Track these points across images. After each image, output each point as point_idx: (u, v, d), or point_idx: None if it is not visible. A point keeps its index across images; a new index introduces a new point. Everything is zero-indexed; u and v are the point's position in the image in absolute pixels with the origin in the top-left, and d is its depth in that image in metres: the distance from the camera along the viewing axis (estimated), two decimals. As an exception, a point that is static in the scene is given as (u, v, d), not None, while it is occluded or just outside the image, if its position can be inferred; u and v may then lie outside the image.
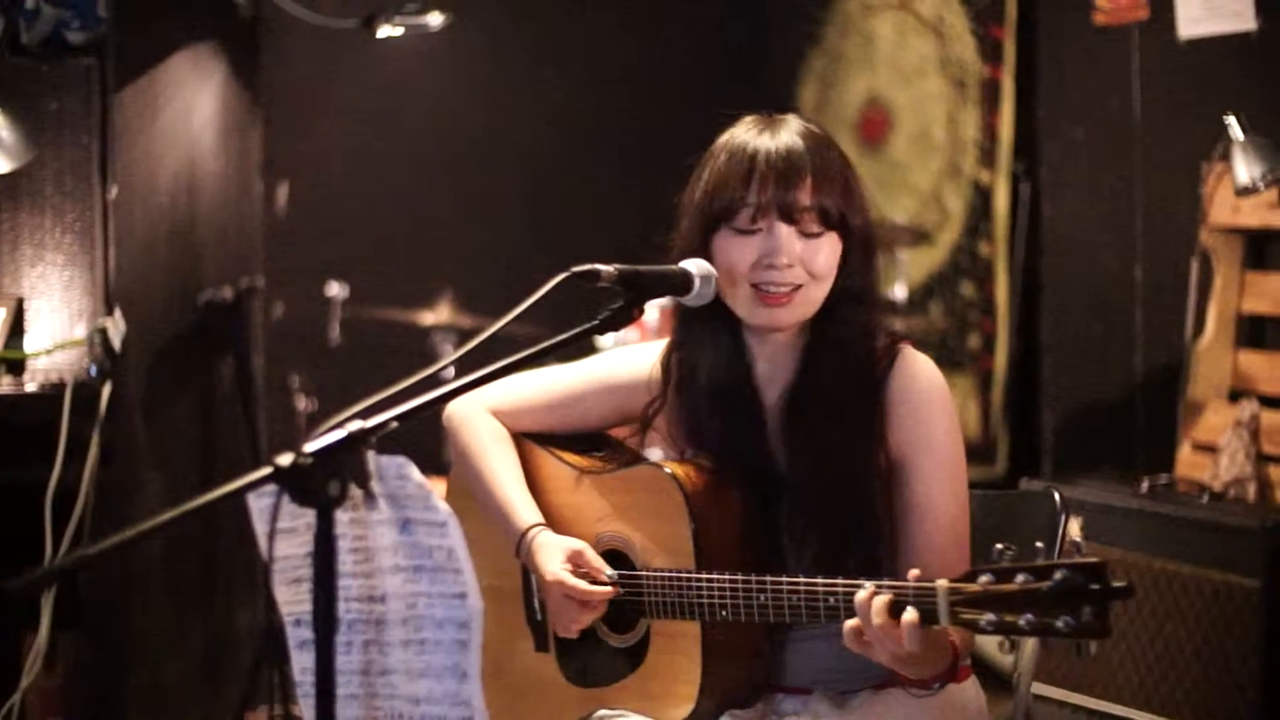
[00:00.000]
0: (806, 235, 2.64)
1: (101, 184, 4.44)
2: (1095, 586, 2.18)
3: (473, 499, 2.92)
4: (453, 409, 2.95)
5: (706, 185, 2.70)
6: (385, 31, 5.34)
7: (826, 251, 2.66)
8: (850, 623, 2.40)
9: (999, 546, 2.31)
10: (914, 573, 2.37)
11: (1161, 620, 4.14)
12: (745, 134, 2.71)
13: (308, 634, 2.09)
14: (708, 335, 2.77)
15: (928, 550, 2.62)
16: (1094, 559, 2.19)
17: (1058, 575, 2.20)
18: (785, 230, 2.64)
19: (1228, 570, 4.05)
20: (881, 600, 2.37)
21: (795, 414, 2.72)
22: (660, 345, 2.88)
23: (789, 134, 2.67)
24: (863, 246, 2.70)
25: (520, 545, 2.81)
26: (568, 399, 2.94)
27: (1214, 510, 4.24)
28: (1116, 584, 2.17)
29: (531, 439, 2.95)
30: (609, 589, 2.73)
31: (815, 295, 2.67)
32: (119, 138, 4.50)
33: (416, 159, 6.48)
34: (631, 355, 2.93)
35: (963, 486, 2.70)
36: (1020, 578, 2.23)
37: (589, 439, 2.97)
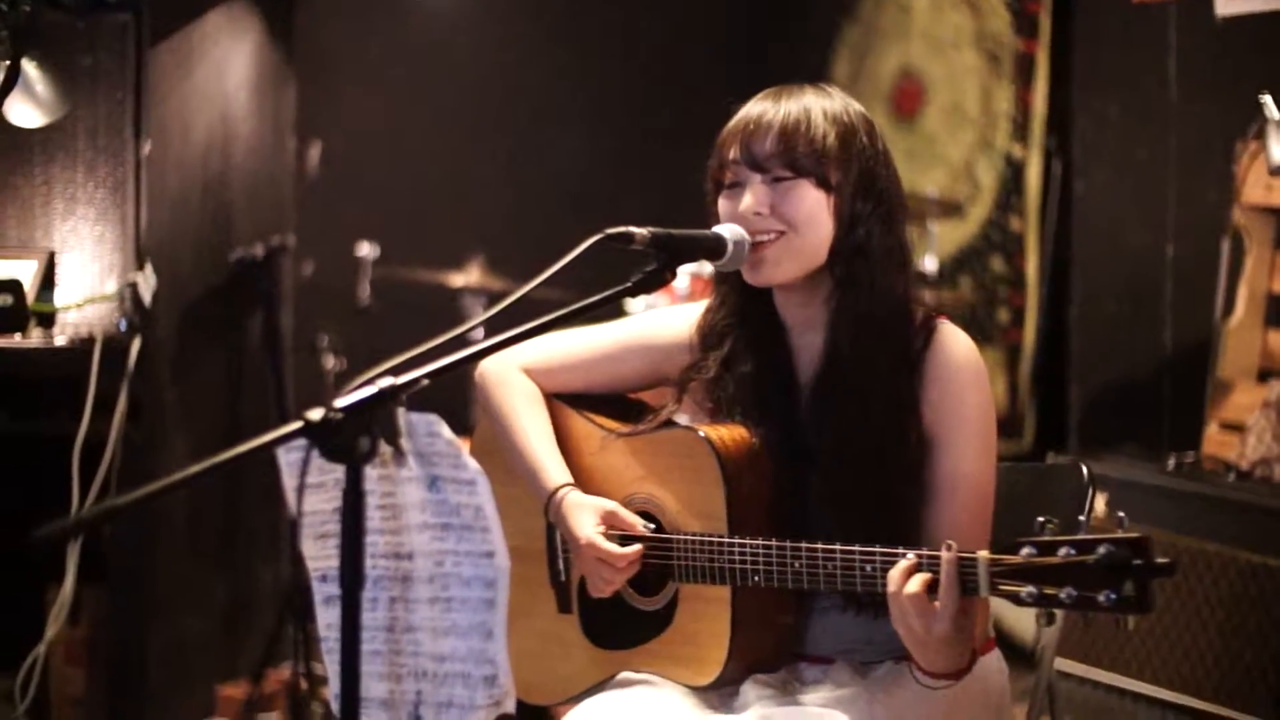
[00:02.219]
0: (776, 181, 2.67)
1: (135, 140, 4.45)
2: (1138, 562, 2.17)
3: (497, 458, 2.91)
4: (485, 367, 2.95)
5: (711, 154, 2.76)
6: (420, -7, 5.34)
7: (799, 198, 2.66)
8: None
9: (1041, 519, 2.29)
10: (951, 545, 2.36)
11: (1185, 598, 4.13)
12: (750, 103, 2.75)
13: (334, 589, 2.09)
14: (743, 301, 2.78)
15: (951, 524, 2.61)
16: (1137, 534, 2.18)
17: (1101, 549, 2.18)
18: (754, 178, 2.68)
19: (1252, 550, 4.04)
20: (921, 576, 2.37)
21: (826, 383, 2.72)
22: (698, 307, 2.88)
23: (790, 100, 2.70)
24: (875, 207, 2.70)
25: (549, 505, 2.81)
26: (603, 358, 2.94)
27: (1240, 490, 4.22)
28: (1160, 560, 2.17)
29: (563, 400, 2.95)
30: (640, 548, 2.73)
31: (800, 246, 2.67)
32: (153, 94, 4.51)
33: (449, 121, 6.48)
34: (669, 316, 2.93)
35: (992, 464, 2.70)
36: (1063, 550, 2.22)
37: (621, 402, 2.96)
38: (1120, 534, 2.20)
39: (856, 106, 2.75)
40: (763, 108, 2.71)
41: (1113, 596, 2.17)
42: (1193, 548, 4.14)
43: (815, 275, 2.71)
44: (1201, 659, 4.10)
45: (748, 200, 2.67)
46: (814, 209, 2.67)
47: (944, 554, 2.35)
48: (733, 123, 2.74)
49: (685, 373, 2.83)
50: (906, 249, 2.75)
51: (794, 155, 2.66)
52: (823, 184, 2.67)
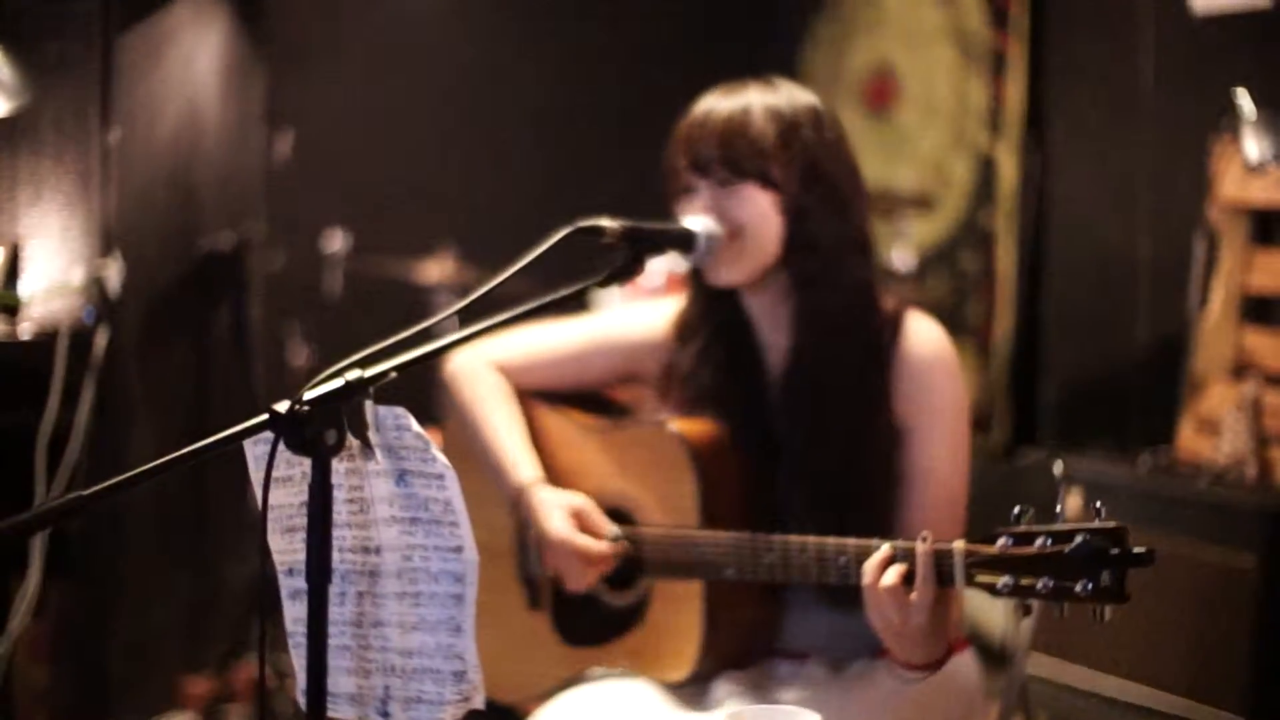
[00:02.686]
0: (722, 185, 2.66)
1: (102, 128, 4.41)
2: (1116, 551, 2.16)
3: (467, 458, 2.88)
4: (456, 364, 2.94)
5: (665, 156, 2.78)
6: (392, -18, 5.31)
7: (744, 201, 2.66)
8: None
9: (1018, 509, 2.28)
10: (927, 536, 2.34)
11: (1158, 595, 4.12)
12: (697, 104, 2.75)
13: (300, 583, 2.07)
14: (712, 298, 2.77)
15: (923, 514, 2.61)
16: (1114, 523, 2.17)
17: (1078, 539, 2.17)
18: (701, 184, 2.69)
19: (1224, 548, 4.03)
20: (897, 568, 2.34)
21: (793, 379, 2.71)
22: (667, 305, 2.87)
23: (731, 99, 2.70)
24: (823, 198, 2.68)
25: (519, 500, 2.79)
26: (575, 355, 2.92)
27: (1213, 488, 4.21)
28: (1137, 549, 2.15)
29: (537, 396, 2.93)
30: (616, 545, 2.71)
31: (750, 248, 2.67)
32: (121, 81, 4.47)
33: (421, 111, 6.45)
34: (640, 313, 2.92)
35: (965, 455, 2.69)
36: (1040, 541, 2.21)
37: (594, 397, 2.95)
38: (1097, 524, 2.18)
39: (804, 98, 2.73)
40: (705, 110, 2.72)
41: (1090, 586, 2.16)
42: (1165, 546, 4.12)
43: (774, 272, 2.71)
44: (1174, 654, 4.09)
45: (696, 207, 2.67)
46: (760, 210, 2.66)
47: (920, 545, 2.33)
48: (680, 126, 2.74)
49: (664, 369, 2.82)
50: (866, 238, 2.74)
51: (735, 158, 2.66)
52: (767, 183, 2.66)
